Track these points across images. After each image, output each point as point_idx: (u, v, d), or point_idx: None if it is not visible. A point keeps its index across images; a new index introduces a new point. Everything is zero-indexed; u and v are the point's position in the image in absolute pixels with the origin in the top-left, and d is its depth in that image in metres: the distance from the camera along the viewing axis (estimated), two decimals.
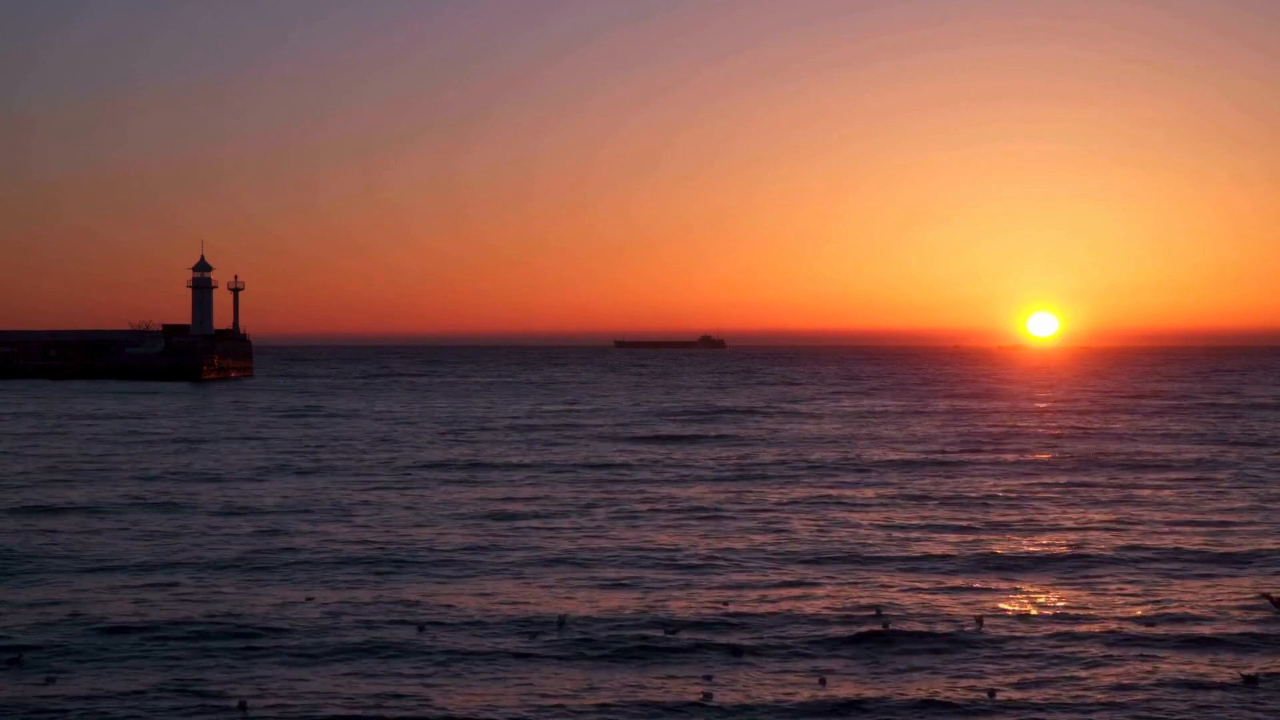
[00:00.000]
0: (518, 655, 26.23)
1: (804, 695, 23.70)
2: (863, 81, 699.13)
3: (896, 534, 42.46)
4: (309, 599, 31.52)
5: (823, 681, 24.39)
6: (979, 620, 29.22)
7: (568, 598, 31.80)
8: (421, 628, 28.33)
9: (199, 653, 26.39)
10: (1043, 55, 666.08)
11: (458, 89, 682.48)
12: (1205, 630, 28.46)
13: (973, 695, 23.68)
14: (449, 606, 30.66)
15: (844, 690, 23.98)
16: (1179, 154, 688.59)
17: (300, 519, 45.47)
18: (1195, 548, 39.52)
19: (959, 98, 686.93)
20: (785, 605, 30.99)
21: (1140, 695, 23.76)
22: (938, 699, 23.47)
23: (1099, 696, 23.66)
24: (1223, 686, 24.26)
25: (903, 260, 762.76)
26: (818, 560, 37.33)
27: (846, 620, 29.30)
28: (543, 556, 37.73)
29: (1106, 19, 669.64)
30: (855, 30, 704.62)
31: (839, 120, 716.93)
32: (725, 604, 31.02)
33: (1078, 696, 23.64)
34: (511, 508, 48.62)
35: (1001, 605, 31.22)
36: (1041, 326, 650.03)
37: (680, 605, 30.83)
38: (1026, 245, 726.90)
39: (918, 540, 41.06)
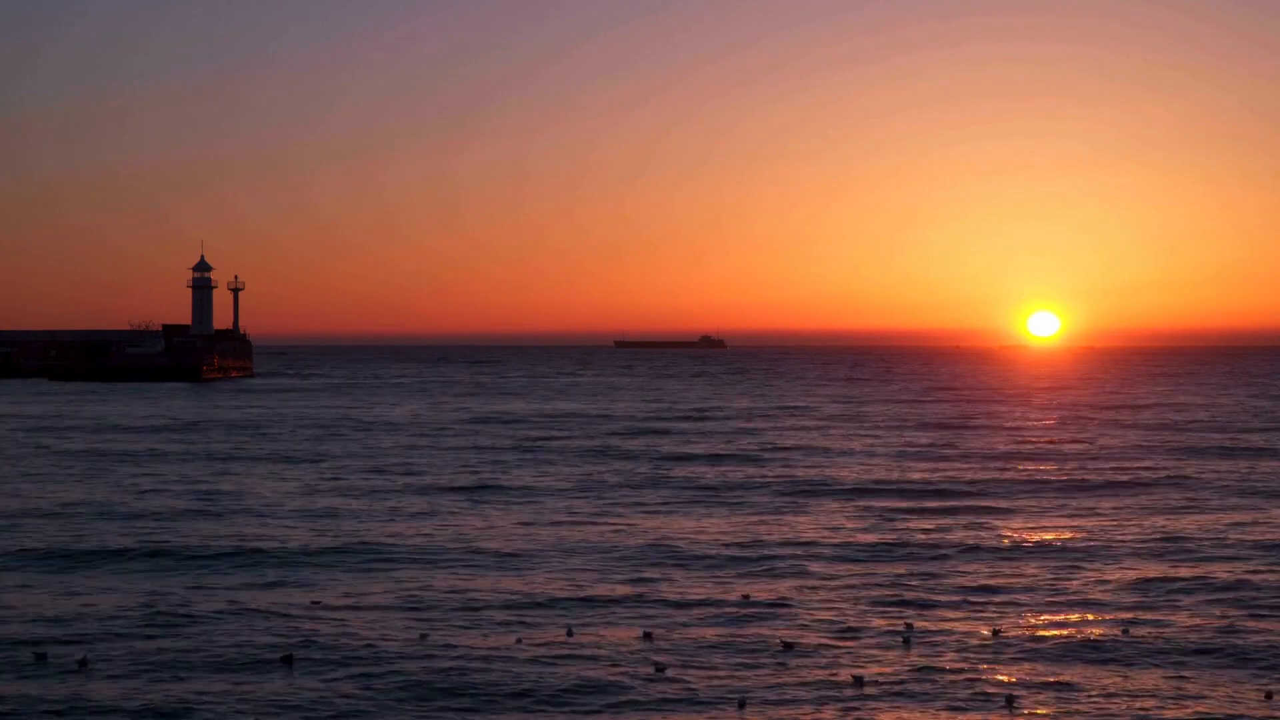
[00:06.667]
0: None
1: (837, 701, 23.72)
2: (861, 80, 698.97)
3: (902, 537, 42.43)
4: None
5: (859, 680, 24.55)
6: (995, 632, 29.25)
7: None
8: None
9: None
10: (1043, 53, 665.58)
11: (453, 89, 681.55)
12: (1219, 640, 28.42)
13: (991, 700, 23.70)
14: None
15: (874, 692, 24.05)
16: (1184, 153, 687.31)
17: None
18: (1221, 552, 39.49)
19: (958, 96, 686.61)
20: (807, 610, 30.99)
21: (1155, 702, 23.75)
22: (957, 704, 23.45)
23: (1116, 704, 23.64)
24: (1246, 700, 24.19)
25: (903, 260, 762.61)
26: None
27: (867, 627, 29.36)
28: None
29: (1109, 16, 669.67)
30: (851, 29, 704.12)
31: (836, 119, 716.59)
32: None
33: (1095, 704, 23.61)
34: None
35: (1017, 609, 31.25)
36: (1042, 326, 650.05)
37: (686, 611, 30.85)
38: (1028, 244, 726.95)
39: (931, 541, 41.04)
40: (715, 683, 24.81)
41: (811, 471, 63.46)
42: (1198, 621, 29.78)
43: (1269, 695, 24.01)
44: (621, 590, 33.50)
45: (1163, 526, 44.85)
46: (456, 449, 76.59)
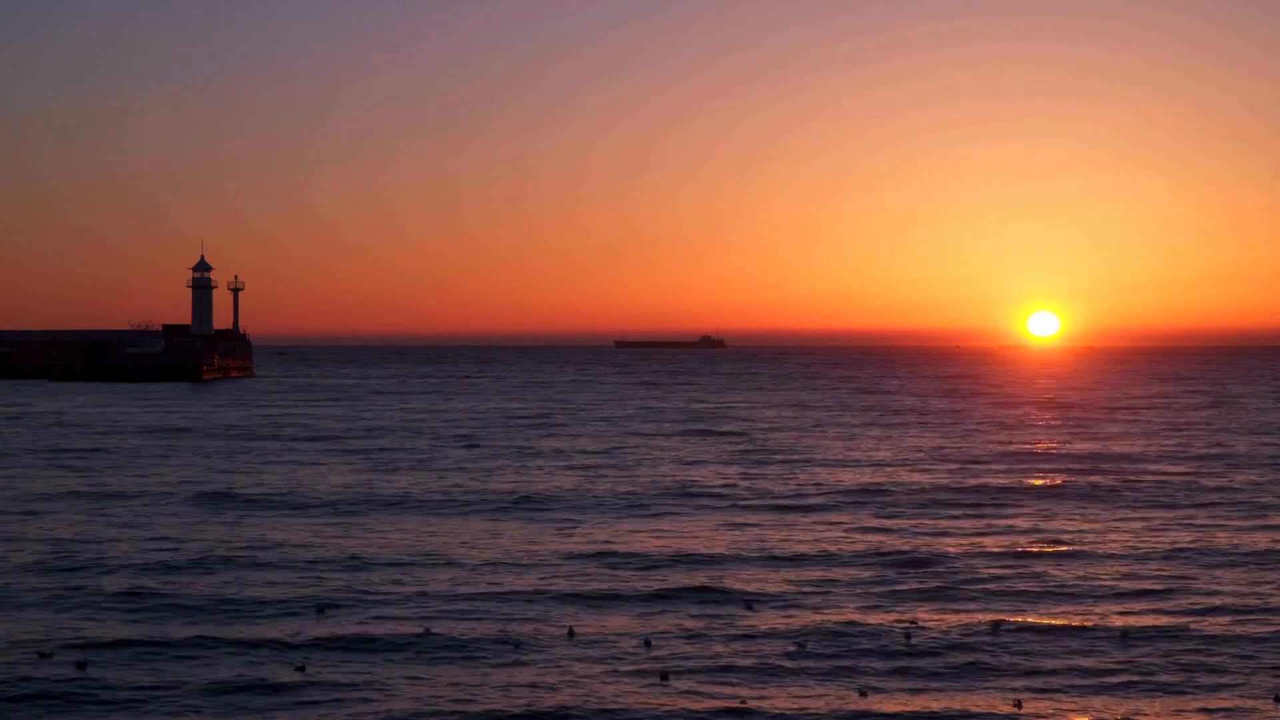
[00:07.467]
0: None
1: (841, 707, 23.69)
2: (861, 80, 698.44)
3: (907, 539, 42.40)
4: None
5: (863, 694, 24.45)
6: (996, 626, 29.26)
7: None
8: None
9: None
10: (1043, 53, 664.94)
11: (452, 89, 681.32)
12: (1226, 637, 28.40)
13: (997, 703, 23.69)
14: None
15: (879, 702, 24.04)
16: (1184, 153, 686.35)
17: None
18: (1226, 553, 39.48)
19: (958, 96, 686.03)
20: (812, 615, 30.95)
21: (1160, 703, 23.72)
22: (960, 703, 23.45)
23: (1119, 705, 23.61)
24: (1254, 701, 24.13)
25: (903, 260, 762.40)
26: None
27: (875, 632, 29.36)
28: None
29: (1109, 15, 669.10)
30: (851, 29, 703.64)
31: (836, 119, 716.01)
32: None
33: (1098, 705, 23.60)
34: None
35: (1020, 608, 31.23)
36: (1042, 326, 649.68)
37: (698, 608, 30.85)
38: (1028, 244, 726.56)
39: (932, 541, 41.00)
40: (717, 686, 24.77)
41: (811, 472, 63.43)
42: (1202, 623, 29.76)
43: (1279, 699, 23.91)
44: (622, 591, 33.45)
45: (1166, 528, 44.83)
46: (457, 449, 76.53)
